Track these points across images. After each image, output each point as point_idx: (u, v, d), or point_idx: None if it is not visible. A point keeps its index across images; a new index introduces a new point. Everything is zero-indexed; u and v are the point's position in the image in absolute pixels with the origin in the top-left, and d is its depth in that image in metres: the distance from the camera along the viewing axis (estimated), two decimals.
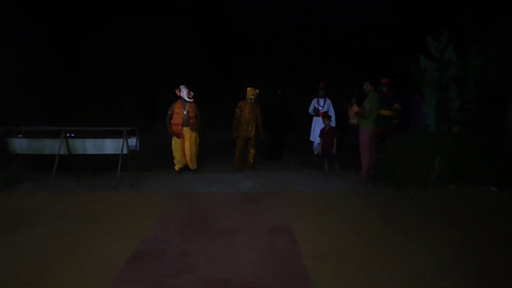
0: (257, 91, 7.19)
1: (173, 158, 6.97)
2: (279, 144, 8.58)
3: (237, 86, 7.53)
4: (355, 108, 6.77)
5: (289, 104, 8.82)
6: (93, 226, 4.28)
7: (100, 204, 5.13)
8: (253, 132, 7.20)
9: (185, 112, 6.77)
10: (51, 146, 6.28)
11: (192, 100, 6.80)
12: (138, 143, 6.64)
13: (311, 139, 8.67)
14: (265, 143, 8.43)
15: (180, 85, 6.83)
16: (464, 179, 6.00)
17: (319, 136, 7.19)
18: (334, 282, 3.05)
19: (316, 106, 8.44)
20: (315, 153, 8.53)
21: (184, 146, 6.90)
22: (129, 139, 6.42)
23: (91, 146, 6.42)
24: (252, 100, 7.16)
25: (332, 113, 8.18)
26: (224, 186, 6.13)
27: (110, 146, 6.41)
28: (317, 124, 8.26)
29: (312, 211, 4.84)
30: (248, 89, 7.20)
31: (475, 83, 6.49)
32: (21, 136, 6.40)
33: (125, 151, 6.24)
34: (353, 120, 6.84)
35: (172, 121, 6.83)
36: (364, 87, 6.47)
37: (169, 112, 6.87)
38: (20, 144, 6.30)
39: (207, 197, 5.54)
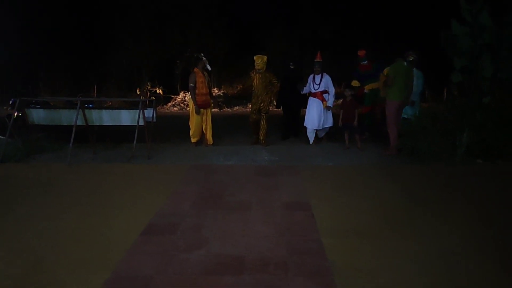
0: (265, 58, 6.49)
1: (189, 130, 6.85)
2: (295, 121, 7.90)
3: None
4: (383, 78, 6.43)
5: (304, 78, 8.11)
6: (109, 197, 4.26)
7: (116, 175, 5.12)
8: (263, 104, 6.80)
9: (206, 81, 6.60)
10: (68, 117, 6.26)
11: (211, 69, 6.57)
12: (155, 114, 6.55)
13: (305, 124, 7.08)
14: (280, 121, 8.02)
15: (199, 54, 6.62)
16: (493, 154, 5.69)
17: (340, 108, 6.88)
18: (352, 261, 2.92)
19: (311, 84, 6.99)
20: (310, 142, 7.10)
21: (204, 119, 6.72)
22: (145, 110, 6.33)
23: (107, 117, 6.36)
24: (260, 71, 6.58)
25: (331, 90, 6.94)
26: (241, 159, 6.02)
27: (126, 117, 6.34)
28: (312, 106, 6.98)
29: (331, 185, 4.68)
30: (255, 58, 6.51)
31: (510, 51, 6.03)
32: (38, 106, 6.41)
33: (141, 123, 6.17)
34: (384, 92, 6.43)
35: (197, 91, 6.50)
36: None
37: (191, 84, 6.51)
38: (37, 115, 6.30)
39: (223, 169, 5.44)
